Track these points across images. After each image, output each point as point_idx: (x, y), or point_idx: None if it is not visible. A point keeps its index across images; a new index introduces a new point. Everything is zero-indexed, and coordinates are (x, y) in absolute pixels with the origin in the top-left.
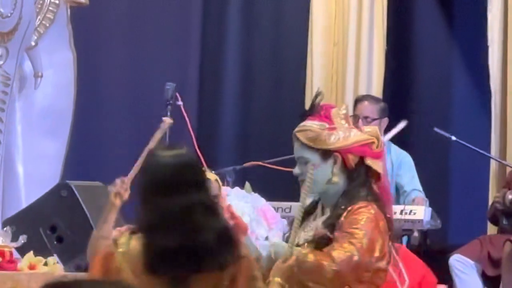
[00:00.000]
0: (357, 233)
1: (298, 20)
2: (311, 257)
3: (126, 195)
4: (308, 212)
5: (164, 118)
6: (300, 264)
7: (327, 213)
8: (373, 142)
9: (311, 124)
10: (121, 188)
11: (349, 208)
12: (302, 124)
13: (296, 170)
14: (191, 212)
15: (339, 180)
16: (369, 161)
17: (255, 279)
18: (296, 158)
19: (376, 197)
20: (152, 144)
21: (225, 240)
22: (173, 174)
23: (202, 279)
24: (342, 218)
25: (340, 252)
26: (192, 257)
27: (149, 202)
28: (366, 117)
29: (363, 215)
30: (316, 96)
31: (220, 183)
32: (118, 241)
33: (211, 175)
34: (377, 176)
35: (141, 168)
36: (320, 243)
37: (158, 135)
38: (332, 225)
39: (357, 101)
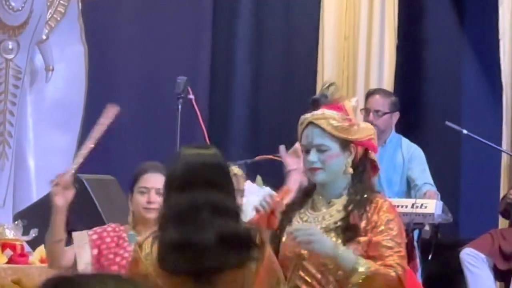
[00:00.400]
0: (402, 242)
1: (309, 14)
2: (378, 276)
3: (69, 193)
4: (296, 203)
5: (109, 107)
6: (368, 280)
7: (334, 203)
8: (373, 138)
9: (331, 113)
10: (62, 184)
11: (373, 203)
12: (319, 112)
13: (313, 158)
14: (197, 210)
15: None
16: (372, 155)
17: (278, 282)
18: (313, 145)
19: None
20: (97, 131)
21: (232, 242)
22: (190, 171)
23: (226, 279)
24: (371, 210)
25: (401, 271)
26: (192, 255)
27: (166, 198)
28: (377, 111)
29: (393, 214)
30: (328, 86)
31: (243, 177)
32: (142, 245)
33: (234, 169)
34: (374, 170)
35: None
36: (349, 230)
37: (104, 122)
38: (359, 214)
39: (368, 94)
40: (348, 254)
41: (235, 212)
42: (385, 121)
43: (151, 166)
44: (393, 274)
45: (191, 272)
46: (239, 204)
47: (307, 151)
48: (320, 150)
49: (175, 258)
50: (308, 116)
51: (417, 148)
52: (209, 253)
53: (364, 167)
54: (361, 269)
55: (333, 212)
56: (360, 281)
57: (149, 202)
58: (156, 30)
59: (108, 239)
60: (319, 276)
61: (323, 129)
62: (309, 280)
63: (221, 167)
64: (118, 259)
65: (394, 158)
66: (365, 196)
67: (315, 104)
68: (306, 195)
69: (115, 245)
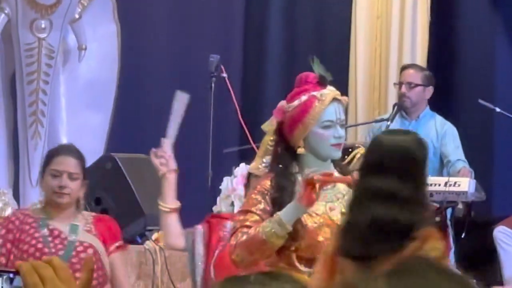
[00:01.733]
0: None
1: None
2: None
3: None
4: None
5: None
6: None
7: None
8: None
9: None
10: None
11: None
12: (332, 88)
13: (342, 133)
14: (363, 195)
15: None
16: None
17: None
18: (341, 120)
19: None
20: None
21: (385, 229)
22: (381, 156)
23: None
24: None
25: None
26: (350, 239)
27: (358, 181)
28: (409, 83)
29: None
30: (318, 62)
31: None
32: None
33: (361, 150)
34: None
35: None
36: None
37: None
38: None
39: (403, 68)
40: None
41: (404, 199)
42: (417, 93)
43: (65, 148)
44: None
45: (352, 257)
46: (419, 192)
47: (329, 127)
48: (342, 125)
49: (342, 242)
50: (328, 92)
51: (451, 125)
52: (361, 238)
53: None
54: None
55: (341, 188)
56: None
57: (60, 187)
58: (188, 8)
59: (14, 230)
60: None
61: (343, 106)
62: None
63: (406, 153)
64: (25, 247)
65: (427, 133)
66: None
67: (325, 82)
68: (289, 174)
69: (19, 233)
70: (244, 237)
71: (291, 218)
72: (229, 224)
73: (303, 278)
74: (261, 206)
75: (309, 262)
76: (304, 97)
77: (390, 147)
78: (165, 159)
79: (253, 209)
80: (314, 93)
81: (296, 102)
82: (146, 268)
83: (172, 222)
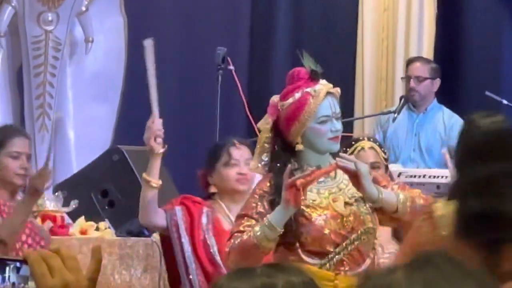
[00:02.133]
0: None
1: None
2: (418, 196)
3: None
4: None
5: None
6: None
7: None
8: None
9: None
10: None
11: None
12: (324, 82)
13: (340, 126)
14: (497, 180)
15: None
16: None
17: None
18: (337, 113)
19: None
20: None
21: None
22: (491, 140)
23: None
24: None
25: None
26: (494, 226)
27: (464, 167)
28: (417, 77)
29: None
30: (308, 57)
31: (379, 150)
32: (434, 205)
33: (366, 143)
34: None
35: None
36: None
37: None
38: None
39: (409, 62)
40: (386, 191)
41: None
42: (425, 87)
43: (16, 130)
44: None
45: (486, 243)
46: None
47: (325, 121)
48: (337, 118)
49: (475, 228)
50: (321, 87)
51: (458, 118)
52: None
53: None
54: (401, 197)
55: (343, 178)
56: (408, 209)
57: (24, 169)
58: (195, 1)
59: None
60: (362, 247)
61: (337, 99)
62: (352, 254)
63: None
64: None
65: (435, 126)
66: None
67: (317, 77)
68: (283, 168)
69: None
70: (237, 242)
71: (280, 220)
72: (205, 210)
73: (311, 270)
74: (258, 209)
75: (318, 254)
76: (297, 95)
77: (498, 130)
78: (160, 137)
79: (249, 213)
80: (308, 89)
81: (290, 100)
82: (153, 260)
83: (156, 199)
